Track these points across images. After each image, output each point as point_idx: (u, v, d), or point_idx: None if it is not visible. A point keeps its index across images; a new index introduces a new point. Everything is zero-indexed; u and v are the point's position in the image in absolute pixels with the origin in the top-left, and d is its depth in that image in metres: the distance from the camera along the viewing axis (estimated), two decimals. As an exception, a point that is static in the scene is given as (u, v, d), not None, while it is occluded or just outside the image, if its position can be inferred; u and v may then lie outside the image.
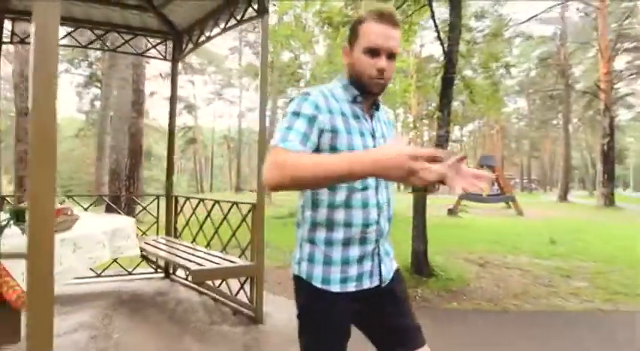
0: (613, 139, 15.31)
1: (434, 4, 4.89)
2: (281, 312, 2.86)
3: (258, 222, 2.71)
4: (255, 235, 2.74)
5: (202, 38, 3.37)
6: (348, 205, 0.99)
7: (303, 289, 1.04)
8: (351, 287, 1.02)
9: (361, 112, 1.04)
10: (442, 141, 4.20)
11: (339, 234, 1.01)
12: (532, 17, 17.10)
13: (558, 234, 7.33)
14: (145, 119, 11.57)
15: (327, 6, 5.16)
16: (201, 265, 2.62)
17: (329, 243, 1.01)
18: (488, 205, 14.47)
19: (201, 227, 3.49)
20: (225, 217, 3.12)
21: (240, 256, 2.94)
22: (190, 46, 3.53)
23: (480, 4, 18.59)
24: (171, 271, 3.79)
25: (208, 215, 3.35)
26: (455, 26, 4.25)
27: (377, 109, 1.08)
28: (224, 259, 2.81)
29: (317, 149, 0.96)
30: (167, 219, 3.93)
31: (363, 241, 1.02)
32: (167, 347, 2.24)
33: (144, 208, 3.90)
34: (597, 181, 16.66)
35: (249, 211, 2.81)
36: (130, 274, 3.71)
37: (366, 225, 1.02)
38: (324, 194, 1.00)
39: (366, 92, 1.02)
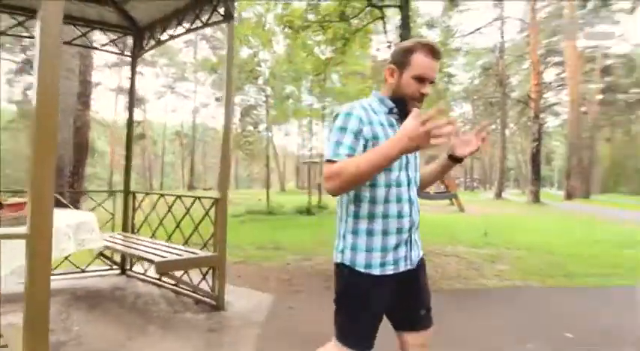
0: (540, 143, 17.23)
1: (389, 14, 5.32)
2: (242, 300, 3.05)
3: (222, 215, 2.87)
4: (218, 228, 2.89)
5: (165, 36, 3.42)
6: (386, 200, 1.18)
7: (345, 274, 1.21)
8: (389, 270, 1.19)
9: (395, 121, 1.24)
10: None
11: (378, 225, 1.18)
12: (476, 30, 18.66)
13: (491, 227, 8.24)
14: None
15: (289, 9, 5.36)
16: (164, 257, 2.72)
17: (370, 233, 1.18)
18: (435, 202, 15.57)
19: (161, 222, 3.54)
20: (187, 211, 3.21)
21: (202, 249, 3.06)
22: (152, 43, 3.56)
23: (431, 15, 19.85)
24: (127, 267, 3.78)
25: (169, 210, 3.42)
26: (404, 38, 4.69)
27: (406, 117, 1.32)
28: (186, 251, 2.93)
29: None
30: (124, 215, 3.90)
31: (399, 231, 1.20)
32: (131, 337, 2.33)
33: (99, 205, 3.84)
34: (527, 180, 18.63)
35: (212, 205, 2.95)
36: (83, 271, 3.64)
37: (400, 217, 1.20)
38: (365, 191, 1.18)
39: (406, 108, 1.20)
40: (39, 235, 1.05)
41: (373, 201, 1.18)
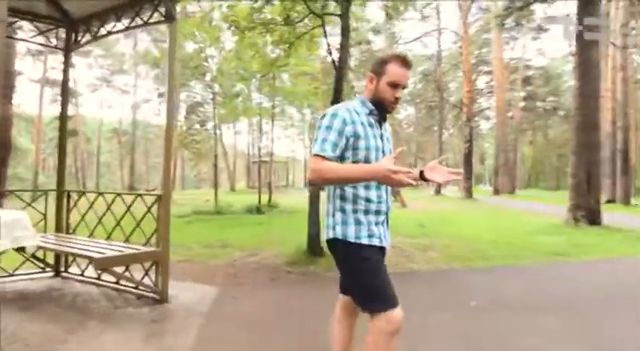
0: (472, 144, 18.98)
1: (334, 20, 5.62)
2: (186, 293, 3.14)
3: (164, 211, 2.93)
4: (160, 224, 2.95)
5: (103, 31, 3.36)
6: (367, 186, 1.42)
7: (339, 247, 1.42)
8: (376, 242, 1.42)
9: (374, 122, 1.47)
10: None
11: (361, 206, 1.41)
12: (415, 39, 19.96)
13: (428, 220, 9.03)
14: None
15: (234, 10, 5.42)
16: (103, 253, 2.71)
17: (355, 211, 1.41)
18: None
19: (99, 221, 3.46)
20: (128, 209, 3.20)
21: (144, 245, 3.08)
22: (88, 37, 3.46)
23: (377, 20, 20.84)
24: (62, 269, 3.63)
25: (108, 208, 3.36)
26: (344, 46, 5.03)
27: (384, 120, 1.53)
28: (127, 248, 2.94)
29: (344, 149, 1.38)
30: (57, 216, 3.73)
31: (377, 212, 1.44)
32: (71, 331, 2.32)
33: (29, 204, 3.63)
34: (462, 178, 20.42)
35: (154, 202, 3.00)
36: (11, 275, 3.43)
37: (379, 201, 1.44)
38: None
39: (384, 111, 1.47)
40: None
41: (355, 186, 1.41)
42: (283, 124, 29.86)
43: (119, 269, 2.98)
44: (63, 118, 3.68)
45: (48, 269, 3.62)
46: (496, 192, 24.44)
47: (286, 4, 4.95)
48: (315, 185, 1.70)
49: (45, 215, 3.70)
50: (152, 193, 3.07)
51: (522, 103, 35.15)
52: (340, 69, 4.93)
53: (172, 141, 3.08)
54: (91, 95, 36.64)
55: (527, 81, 35.15)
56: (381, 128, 1.49)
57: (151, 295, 2.94)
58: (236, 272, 4.22)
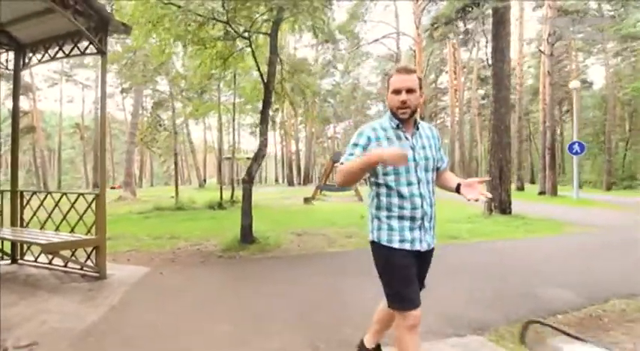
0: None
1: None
2: (123, 272, 3.91)
3: (101, 207, 3.66)
4: (98, 217, 3.67)
5: (47, 57, 3.99)
6: (400, 195, 1.54)
7: (375, 248, 1.61)
8: (407, 246, 1.55)
9: (403, 134, 1.58)
10: (262, 145, 5.78)
11: (394, 213, 1.55)
12: (374, 41, 20.99)
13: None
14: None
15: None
16: (50, 240, 3.42)
17: (388, 218, 1.56)
18: (342, 194, 17.37)
19: (49, 216, 4.11)
20: (72, 206, 3.90)
21: (86, 234, 3.80)
22: (35, 61, 4.07)
23: (343, 20, 21.70)
24: (18, 257, 4.26)
25: (56, 205, 4.03)
26: (272, 62, 5.83)
27: (417, 128, 1.62)
28: (72, 237, 3.65)
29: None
30: (12, 213, 4.33)
31: (412, 219, 1.55)
32: (22, 298, 3.03)
33: (-15, 203, 4.22)
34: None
35: (93, 200, 3.72)
36: (-30, 263, 4.04)
37: (414, 208, 1.54)
38: (383, 187, 1.58)
39: (398, 119, 1.57)
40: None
41: (389, 195, 1.55)
42: (252, 121, 30.30)
43: (67, 255, 3.70)
44: (15, 131, 4.29)
45: (5, 257, 4.24)
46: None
47: (219, 26, 5.65)
48: (344, 186, 1.94)
49: (1, 212, 4.31)
50: (88, 192, 3.74)
51: (481, 102, 37.31)
52: (268, 83, 5.73)
53: (105, 140, 3.78)
54: (49, 90, 35.33)
55: (485, 80, 37.38)
56: (412, 138, 1.59)
57: (92, 273, 3.68)
58: (174, 258, 4.98)
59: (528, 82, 32.64)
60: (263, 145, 5.74)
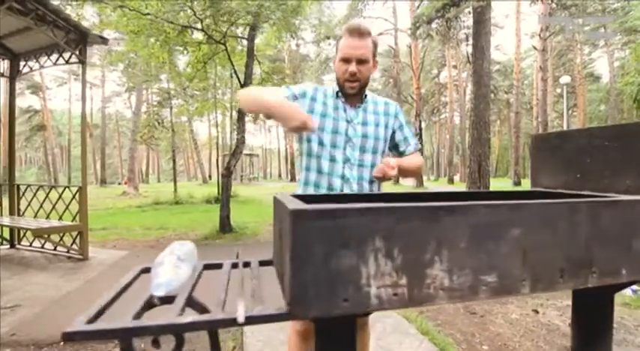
0: (422, 137, 20.59)
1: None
2: (104, 255, 4.44)
3: (83, 197, 4.18)
4: (82, 206, 4.20)
5: (36, 66, 4.51)
6: (319, 170, 1.29)
7: None
8: None
9: (341, 105, 1.31)
10: (240, 142, 6.25)
11: (311, 178, 1.30)
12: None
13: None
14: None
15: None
16: (40, 226, 3.96)
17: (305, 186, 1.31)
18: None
19: (41, 206, 4.67)
20: (60, 197, 4.44)
21: (72, 221, 4.34)
22: (27, 69, 4.60)
23: (342, 14, 22.00)
24: (16, 242, 4.83)
25: (46, 197, 4.58)
26: (248, 65, 6.28)
27: (361, 102, 1.33)
28: (58, 223, 4.19)
29: None
30: (10, 203, 4.91)
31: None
32: (15, 274, 3.58)
33: (-14, 195, 4.81)
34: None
35: (76, 192, 4.25)
36: (-26, 247, 4.62)
37: (331, 190, 1.27)
38: (305, 158, 1.33)
39: (342, 91, 1.29)
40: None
41: (308, 168, 1.32)
42: (248, 119, 30.83)
43: (56, 240, 4.25)
44: (11, 137, 4.84)
45: (5, 243, 4.82)
46: (451, 181, 26.33)
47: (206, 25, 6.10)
48: (242, 108, 1.35)
49: (1, 203, 4.89)
50: (72, 185, 4.26)
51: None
52: (244, 84, 6.19)
53: (87, 139, 4.31)
54: (58, 89, 36.35)
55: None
56: (354, 110, 1.32)
57: (77, 256, 4.21)
58: (156, 245, 5.50)
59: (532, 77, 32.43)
60: (240, 142, 6.22)
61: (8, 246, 4.81)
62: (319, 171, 1.30)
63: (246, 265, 0.84)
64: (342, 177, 1.28)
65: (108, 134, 34.76)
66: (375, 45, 1.29)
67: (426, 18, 9.85)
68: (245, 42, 6.52)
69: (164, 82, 19.34)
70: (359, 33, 1.23)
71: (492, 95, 38.19)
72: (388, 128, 1.37)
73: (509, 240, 0.65)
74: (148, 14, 4.90)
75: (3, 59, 4.70)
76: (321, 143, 1.29)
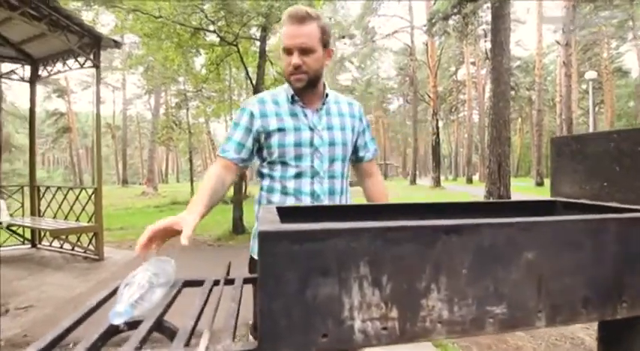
0: (439, 136, 20.19)
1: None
2: (118, 255, 4.50)
3: (99, 199, 4.25)
4: (97, 207, 4.27)
5: (54, 70, 4.63)
6: (284, 191, 1.09)
7: (250, 263, 1.19)
8: None
9: (300, 110, 1.11)
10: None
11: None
12: (388, 35, 20.94)
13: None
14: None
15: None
16: (57, 227, 4.05)
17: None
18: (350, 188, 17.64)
19: (59, 207, 4.79)
20: (77, 198, 4.53)
21: (88, 222, 4.43)
22: (45, 73, 4.73)
23: (357, 13, 21.82)
24: (37, 242, 4.98)
25: (65, 198, 4.69)
26: (260, 66, 6.26)
27: (323, 103, 1.13)
28: (75, 224, 4.27)
29: (260, 148, 1.12)
30: (32, 204, 5.06)
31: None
32: (31, 274, 3.67)
33: (9, 196, 4.97)
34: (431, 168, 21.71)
35: (92, 193, 4.32)
36: (0, 246, 4.78)
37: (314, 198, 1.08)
38: (266, 179, 1.14)
39: (294, 90, 1.09)
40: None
41: (270, 190, 1.13)
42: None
43: (74, 241, 4.34)
44: (32, 140, 4.99)
45: (27, 242, 4.97)
46: (469, 181, 25.71)
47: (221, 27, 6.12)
48: None
49: (22, 204, 5.05)
50: (88, 187, 4.36)
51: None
52: (257, 85, 6.17)
53: (101, 141, 4.38)
54: (82, 92, 37.64)
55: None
56: (316, 115, 1.13)
57: (93, 256, 4.29)
58: (168, 246, 5.55)
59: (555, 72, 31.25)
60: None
61: (29, 246, 4.96)
62: (284, 192, 1.11)
63: (230, 282, 0.77)
64: (312, 194, 1.10)
65: (129, 136, 35.79)
66: (324, 30, 1.08)
67: (442, 14, 9.59)
68: (258, 43, 6.53)
69: (181, 85, 19.83)
70: (298, 18, 1.04)
71: (513, 92, 37.12)
72: (354, 132, 1.20)
73: (521, 265, 0.56)
74: (160, 17, 4.95)
75: (23, 65, 4.85)
76: (282, 161, 1.10)
